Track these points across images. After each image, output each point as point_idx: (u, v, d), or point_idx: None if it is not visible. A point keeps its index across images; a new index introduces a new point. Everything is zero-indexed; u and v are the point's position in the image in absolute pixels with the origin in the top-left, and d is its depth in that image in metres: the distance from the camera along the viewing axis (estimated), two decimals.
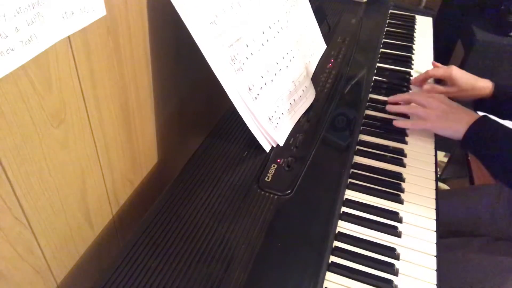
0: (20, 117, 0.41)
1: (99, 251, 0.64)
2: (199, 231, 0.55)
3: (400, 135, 0.84)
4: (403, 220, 0.65)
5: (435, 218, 0.66)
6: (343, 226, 0.63)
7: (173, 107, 0.76)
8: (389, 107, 0.88)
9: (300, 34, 0.88)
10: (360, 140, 0.82)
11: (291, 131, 0.73)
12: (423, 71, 1.01)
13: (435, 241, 0.62)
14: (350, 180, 0.72)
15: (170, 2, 0.54)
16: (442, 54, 1.79)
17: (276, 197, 0.61)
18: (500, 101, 0.88)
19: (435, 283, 0.57)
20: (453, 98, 0.86)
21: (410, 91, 0.99)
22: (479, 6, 1.70)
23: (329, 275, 0.56)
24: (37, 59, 0.41)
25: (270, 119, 0.68)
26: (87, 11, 0.45)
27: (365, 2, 1.33)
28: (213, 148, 0.69)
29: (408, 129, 0.84)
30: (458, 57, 1.74)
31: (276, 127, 0.70)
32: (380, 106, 0.92)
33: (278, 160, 0.67)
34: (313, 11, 0.97)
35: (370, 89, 0.98)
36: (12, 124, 0.40)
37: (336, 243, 0.61)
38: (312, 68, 0.91)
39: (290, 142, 0.72)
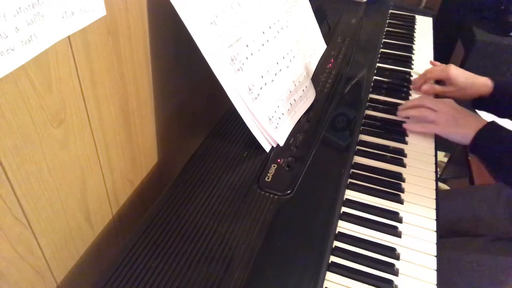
0: (20, 117, 0.41)
1: (99, 251, 0.64)
2: (199, 231, 0.55)
3: (400, 135, 0.84)
4: (403, 220, 0.65)
5: (435, 218, 0.66)
6: (343, 226, 0.63)
7: (173, 107, 0.76)
8: (400, 113, 0.87)
9: (300, 34, 0.88)
10: (360, 140, 0.82)
11: (291, 131, 0.73)
12: (423, 71, 1.01)
13: (435, 241, 0.62)
14: (350, 180, 0.72)
15: (170, 3, 0.54)
16: (442, 54, 1.80)
17: (276, 197, 0.61)
18: (499, 99, 0.88)
19: (435, 283, 0.56)
20: (452, 97, 0.86)
21: (410, 91, 0.99)
22: (479, 6, 1.70)
23: (329, 275, 0.56)
24: (37, 59, 0.41)
25: (270, 119, 0.68)
26: (87, 11, 0.45)
27: (365, 2, 1.33)
28: (213, 148, 0.69)
29: (418, 132, 0.84)
30: (458, 57, 1.74)
31: (276, 127, 0.70)
32: (380, 106, 0.92)
33: (278, 160, 0.67)
34: (313, 11, 0.97)
35: (370, 89, 0.98)
36: (12, 124, 0.40)
37: (336, 243, 0.61)
38: (312, 68, 0.91)
39: (290, 142, 0.72)
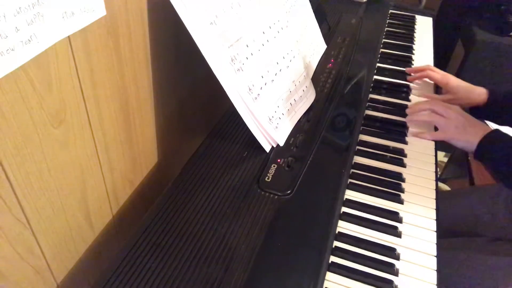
0: (20, 117, 0.41)
1: (99, 251, 0.64)
2: (199, 231, 0.55)
3: (400, 135, 0.84)
4: (403, 220, 0.65)
5: (435, 218, 0.66)
6: (343, 226, 0.63)
7: (173, 107, 0.76)
8: (410, 118, 0.88)
9: (300, 34, 0.88)
10: (360, 140, 0.82)
11: (291, 131, 0.73)
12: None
13: (435, 241, 0.62)
14: (350, 180, 0.72)
15: (170, 2, 0.54)
16: (442, 54, 1.80)
17: (276, 197, 0.61)
18: (495, 108, 0.89)
19: (435, 283, 0.57)
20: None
21: (410, 91, 0.99)
22: (479, 6, 1.70)
23: (329, 275, 0.56)
24: (37, 59, 0.41)
25: (270, 119, 0.68)
26: (87, 11, 0.45)
27: (365, 2, 1.33)
28: (213, 148, 0.69)
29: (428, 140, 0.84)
30: (458, 57, 1.74)
31: (276, 127, 0.70)
32: (380, 106, 0.92)
33: (278, 160, 0.67)
34: (313, 11, 0.97)
35: (370, 89, 0.98)
36: (12, 124, 0.40)
37: (336, 243, 0.61)
38: (312, 68, 0.91)
39: (290, 142, 0.72)
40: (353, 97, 0.89)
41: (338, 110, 0.83)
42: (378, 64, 1.09)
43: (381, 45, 1.18)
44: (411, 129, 0.86)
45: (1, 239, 0.44)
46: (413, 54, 1.16)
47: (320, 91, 0.86)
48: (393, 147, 0.80)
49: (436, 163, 0.78)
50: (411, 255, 0.60)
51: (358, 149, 0.79)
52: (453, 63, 1.83)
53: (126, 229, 0.70)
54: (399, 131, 0.85)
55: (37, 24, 0.38)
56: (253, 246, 0.54)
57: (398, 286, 0.55)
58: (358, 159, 0.77)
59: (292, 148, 0.70)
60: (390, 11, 1.39)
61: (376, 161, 0.76)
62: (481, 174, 1.26)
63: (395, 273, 0.57)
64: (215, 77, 0.59)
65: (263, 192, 0.62)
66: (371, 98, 0.95)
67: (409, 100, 0.96)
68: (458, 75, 1.34)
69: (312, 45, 0.93)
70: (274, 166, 0.66)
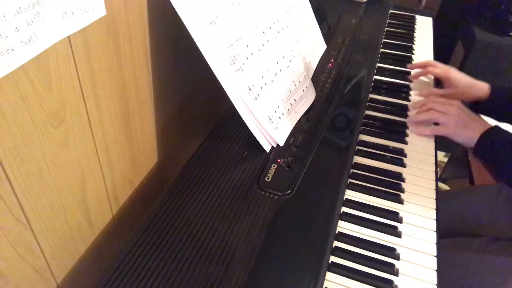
0: (20, 117, 0.41)
1: (99, 251, 0.64)
2: (199, 231, 0.55)
3: (400, 135, 0.84)
4: (403, 220, 0.65)
5: (435, 218, 0.66)
6: (343, 226, 0.63)
7: (173, 107, 0.76)
8: (412, 121, 0.88)
9: (300, 34, 0.88)
10: (360, 140, 0.82)
11: (291, 131, 0.73)
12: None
13: (435, 241, 0.62)
14: (350, 180, 0.72)
15: (170, 2, 0.54)
16: (442, 54, 1.79)
17: (276, 197, 0.61)
18: (496, 103, 0.89)
19: (435, 283, 0.56)
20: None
21: (410, 91, 0.99)
22: (479, 6, 1.70)
23: (329, 275, 0.56)
24: (37, 59, 0.41)
25: (270, 119, 0.68)
26: (87, 11, 0.45)
27: (365, 2, 1.33)
28: (213, 148, 0.69)
29: (428, 135, 0.85)
30: (458, 57, 1.74)
31: (276, 127, 0.70)
32: (380, 106, 0.92)
33: (278, 160, 0.67)
34: (313, 11, 0.97)
35: (370, 89, 0.98)
36: (12, 124, 0.40)
37: (336, 243, 0.61)
38: (313, 68, 0.91)
39: (290, 142, 0.72)
40: (353, 97, 0.89)
41: (338, 110, 0.83)
42: (378, 64, 1.09)
43: (381, 45, 1.18)
44: (411, 127, 0.86)
45: (1, 239, 0.44)
46: (413, 54, 1.16)
47: (320, 91, 0.86)
48: (393, 147, 0.80)
49: (436, 163, 0.78)
50: (411, 255, 0.60)
51: (358, 149, 0.79)
52: (453, 63, 1.83)
53: (126, 229, 0.70)
54: (399, 131, 0.85)
55: (37, 24, 0.38)
56: (253, 246, 0.54)
57: (398, 286, 0.55)
58: (358, 159, 0.77)
59: (292, 148, 0.70)
60: (390, 11, 1.39)
61: (376, 161, 0.76)
62: (481, 174, 1.26)
63: (395, 273, 0.57)
64: (215, 77, 0.59)
65: (263, 192, 0.62)
66: (371, 98, 0.95)
67: (409, 100, 0.96)
68: None
69: (312, 45, 0.93)
70: (274, 166, 0.66)
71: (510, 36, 1.57)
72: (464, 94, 0.92)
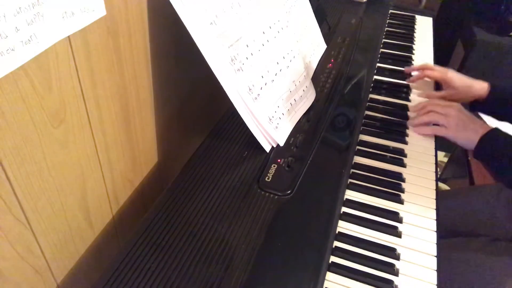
0: (20, 117, 0.41)
1: (99, 251, 0.64)
2: (199, 231, 0.55)
3: (400, 135, 0.84)
4: (403, 220, 0.65)
5: (435, 218, 0.66)
6: (343, 226, 0.63)
7: (173, 107, 0.76)
8: (413, 123, 0.87)
9: (300, 34, 0.88)
10: (360, 140, 0.82)
11: (291, 131, 0.73)
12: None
13: (435, 241, 0.62)
14: (350, 180, 0.72)
15: (170, 2, 0.54)
16: (442, 54, 1.80)
17: (276, 197, 0.61)
18: (496, 103, 0.89)
19: (435, 283, 0.56)
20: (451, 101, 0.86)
21: (410, 91, 0.99)
22: (479, 6, 1.70)
23: (329, 275, 0.56)
24: (37, 59, 0.41)
25: (270, 119, 0.68)
26: (87, 11, 0.45)
27: (365, 2, 1.33)
28: (213, 148, 0.69)
29: (428, 135, 0.85)
30: (458, 57, 1.74)
31: (277, 127, 0.70)
32: (380, 106, 0.92)
33: (278, 160, 0.67)
34: (313, 11, 0.97)
35: (370, 89, 0.98)
36: (12, 124, 0.40)
37: (336, 243, 0.61)
38: (313, 68, 0.91)
39: (290, 142, 0.72)
40: (353, 97, 0.89)
41: (338, 110, 0.83)
42: (378, 64, 1.09)
43: (381, 45, 1.18)
44: (412, 127, 0.86)
45: (1, 239, 0.44)
46: (413, 54, 1.16)
47: (320, 91, 0.86)
48: (393, 147, 0.80)
49: (436, 163, 0.78)
50: (411, 255, 0.60)
51: (358, 149, 0.79)
52: (453, 63, 1.83)
53: (126, 229, 0.70)
54: (399, 131, 0.85)
55: (37, 24, 0.38)
56: (253, 246, 0.54)
57: (398, 286, 0.55)
58: (358, 159, 0.77)
59: (292, 148, 0.70)
60: (390, 11, 1.39)
61: (376, 161, 0.76)
62: (481, 174, 1.26)
63: (395, 273, 0.57)
64: (215, 77, 0.59)
65: (263, 192, 0.62)
66: (371, 98, 0.95)
67: (409, 100, 0.96)
68: None
69: (312, 45, 0.93)
70: (274, 166, 0.66)
71: (510, 36, 1.57)
72: (464, 94, 0.92)
